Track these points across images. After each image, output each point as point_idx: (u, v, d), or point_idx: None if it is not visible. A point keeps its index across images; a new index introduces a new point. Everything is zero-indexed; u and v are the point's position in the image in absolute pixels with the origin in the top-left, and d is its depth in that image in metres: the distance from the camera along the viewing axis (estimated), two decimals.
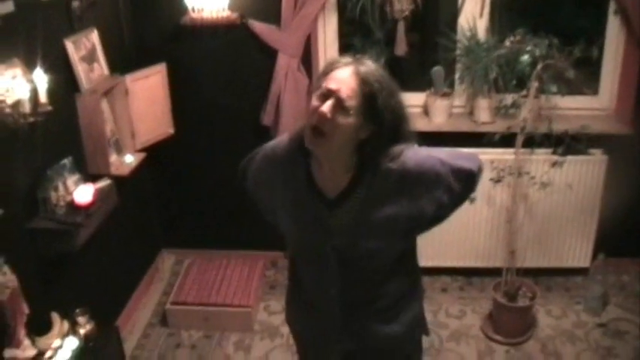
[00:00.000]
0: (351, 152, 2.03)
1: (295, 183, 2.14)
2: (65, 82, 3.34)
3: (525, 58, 3.66)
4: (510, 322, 4.04)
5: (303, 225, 2.15)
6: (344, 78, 1.95)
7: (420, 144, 2.16)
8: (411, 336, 2.46)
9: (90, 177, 3.47)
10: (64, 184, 3.20)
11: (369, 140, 2.00)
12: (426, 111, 4.33)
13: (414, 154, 2.09)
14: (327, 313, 2.27)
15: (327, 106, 1.91)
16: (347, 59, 2.01)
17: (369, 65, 2.00)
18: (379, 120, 1.97)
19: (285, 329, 4.16)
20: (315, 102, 1.95)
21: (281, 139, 2.26)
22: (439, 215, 2.16)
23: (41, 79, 2.90)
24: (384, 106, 1.96)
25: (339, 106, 1.91)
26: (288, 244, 2.32)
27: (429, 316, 4.09)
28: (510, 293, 3.99)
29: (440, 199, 2.10)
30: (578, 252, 4.44)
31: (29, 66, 2.90)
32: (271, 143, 2.30)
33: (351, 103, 1.92)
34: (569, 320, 4.22)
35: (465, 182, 2.18)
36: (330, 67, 2.01)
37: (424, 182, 2.08)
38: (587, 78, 4.10)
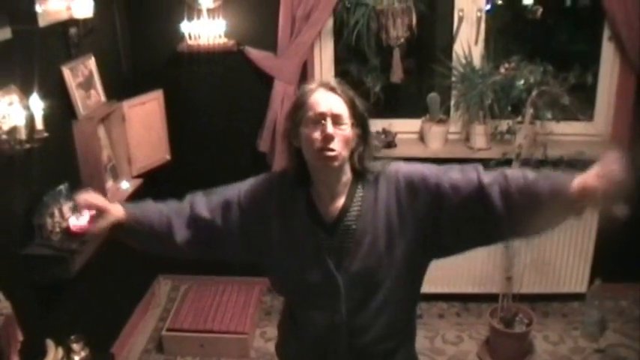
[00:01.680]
0: (346, 165, 2.09)
1: (294, 217, 2.14)
2: (62, 109, 3.35)
3: (520, 83, 3.68)
4: (507, 348, 4.02)
5: (306, 255, 2.12)
6: (326, 98, 2.04)
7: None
8: None
9: None
10: (60, 210, 3.20)
11: (357, 147, 2.08)
12: (421, 137, 4.35)
13: (398, 165, 2.15)
14: (332, 352, 2.23)
15: (329, 128, 1.97)
16: (311, 85, 2.10)
17: (334, 80, 2.11)
18: (361, 122, 2.08)
19: None
20: (310, 131, 2.00)
21: (281, 171, 2.29)
22: (441, 215, 2.05)
23: (38, 105, 2.91)
24: (361, 109, 2.08)
25: (336, 121, 2.00)
26: (286, 282, 2.25)
27: (425, 343, 4.10)
28: (507, 319, 3.98)
29: (431, 200, 2.05)
30: (574, 277, 4.43)
31: (26, 92, 2.91)
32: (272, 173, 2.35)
33: (345, 115, 2.02)
34: (566, 346, 4.20)
35: (464, 170, 2.07)
36: (303, 98, 2.07)
37: (412, 187, 2.08)
38: (582, 104, 4.12)
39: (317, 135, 1.98)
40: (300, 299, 2.26)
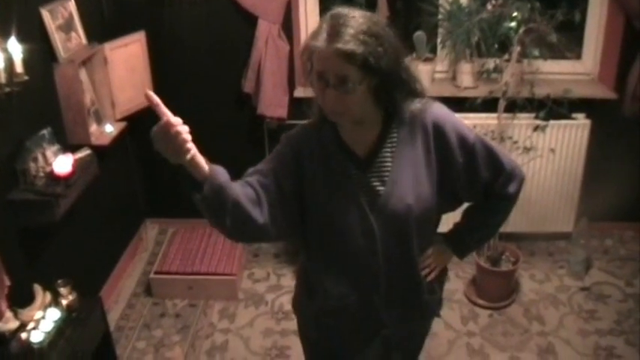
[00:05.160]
0: (372, 106, 1.97)
1: (326, 152, 2.05)
2: (42, 52, 3.29)
3: (509, 24, 3.63)
4: (493, 287, 4.06)
5: (339, 193, 2.04)
6: (329, 58, 1.81)
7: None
8: (439, 310, 2.48)
9: (70, 147, 3.44)
10: (44, 154, 3.17)
11: (381, 87, 1.91)
12: None
13: (446, 113, 2.07)
14: (370, 291, 2.18)
15: (331, 97, 1.84)
16: (322, 37, 1.83)
17: (346, 31, 1.81)
18: (382, 72, 1.86)
19: (270, 296, 4.18)
20: (317, 89, 1.89)
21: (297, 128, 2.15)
22: (453, 187, 2.10)
23: (16, 48, 2.86)
24: (377, 61, 1.83)
25: (341, 83, 1.82)
26: (318, 233, 2.13)
27: None
28: (494, 258, 4.01)
29: (455, 162, 2.05)
30: (561, 216, 4.46)
31: (4, 36, 2.85)
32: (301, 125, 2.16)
33: (351, 78, 1.82)
34: (552, 284, 4.25)
35: (498, 174, 2.13)
36: (310, 47, 1.86)
37: (448, 137, 2.03)
38: (570, 42, 4.08)
39: (323, 98, 1.87)
40: (338, 245, 2.13)
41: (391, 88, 1.94)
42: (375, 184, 2.04)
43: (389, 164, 2.03)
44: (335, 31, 1.81)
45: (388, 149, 2.03)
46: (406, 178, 2.02)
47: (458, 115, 2.10)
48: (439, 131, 2.03)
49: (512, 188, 2.17)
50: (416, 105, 2.03)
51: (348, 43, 1.79)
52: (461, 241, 2.37)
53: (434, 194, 2.07)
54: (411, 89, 2.01)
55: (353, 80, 1.82)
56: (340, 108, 1.87)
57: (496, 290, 4.07)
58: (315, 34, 1.87)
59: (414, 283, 2.22)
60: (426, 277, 2.25)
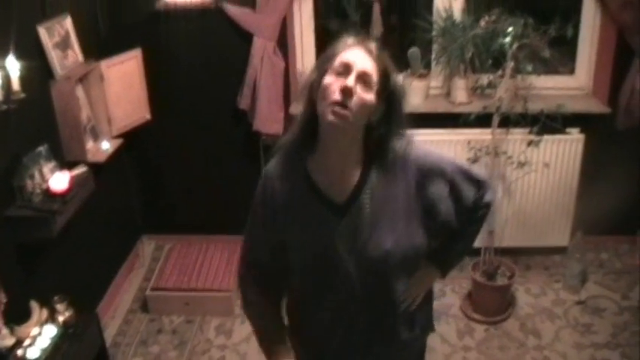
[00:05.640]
0: (361, 141, 1.96)
1: (297, 193, 2.03)
2: (39, 69, 3.30)
3: (504, 40, 3.66)
4: (489, 301, 4.07)
5: (313, 237, 2.03)
6: (359, 55, 1.88)
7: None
8: (426, 336, 2.48)
9: (66, 164, 3.45)
10: (40, 171, 3.18)
11: (378, 125, 1.93)
12: None
13: (421, 150, 2.05)
14: (349, 332, 2.16)
15: (351, 80, 1.83)
16: (351, 40, 1.93)
17: (375, 44, 1.94)
18: (391, 99, 1.92)
19: None
20: (331, 81, 1.86)
21: (272, 160, 2.15)
22: (445, 217, 2.10)
23: (14, 66, 2.87)
24: (395, 84, 1.93)
25: (361, 79, 1.85)
26: (296, 272, 2.14)
27: None
28: (489, 272, 4.01)
29: (442, 194, 2.05)
30: (556, 230, 4.47)
31: (1, 53, 2.87)
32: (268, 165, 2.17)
33: (372, 77, 1.87)
34: (548, 298, 4.26)
35: (477, 189, 2.16)
36: (338, 49, 1.92)
37: (429, 173, 2.02)
38: (563, 57, 4.11)
39: (336, 86, 1.83)
40: (313, 287, 2.14)
41: (387, 122, 1.94)
42: (352, 230, 1.99)
43: (367, 209, 1.99)
44: (362, 38, 1.96)
45: (367, 194, 1.99)
46: (384, 223, 1.99)
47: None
48: (421, 173, 2.01)
49: (488, 197, 2.20)
50: (398, 147, 2.00)
51: (376, 48, 1.94)
52: (444, 258, 2.34)
53: (418, 236, 2.05)
54: (401, 129, 1.99)
55: (374, 80, 1.88)
56: (349, 101, 1.83)
57: (492, 304, 4.07)
58: (338, 44, 1.96)
59: (394, 322, 2.19)
60: (409, 308, 2.21)
